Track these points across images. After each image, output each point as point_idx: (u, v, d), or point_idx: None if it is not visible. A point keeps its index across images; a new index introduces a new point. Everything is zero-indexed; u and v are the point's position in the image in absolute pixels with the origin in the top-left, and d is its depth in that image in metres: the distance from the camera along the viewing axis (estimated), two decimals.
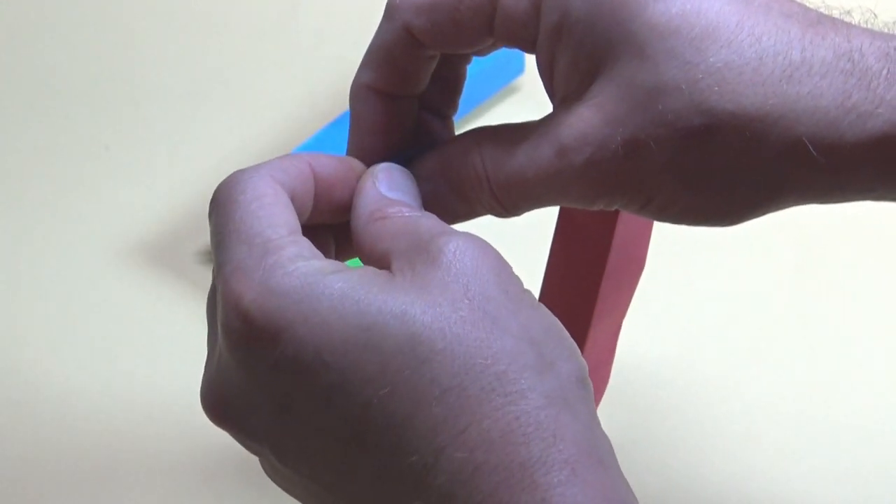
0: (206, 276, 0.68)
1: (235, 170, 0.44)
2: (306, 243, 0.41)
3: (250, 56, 0.83)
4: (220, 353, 0.41)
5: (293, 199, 0.43)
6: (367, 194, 0.44)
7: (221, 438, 0.53)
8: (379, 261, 0.42)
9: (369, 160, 0.46)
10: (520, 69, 0.78)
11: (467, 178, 0.44)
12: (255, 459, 0.42)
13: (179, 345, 0.65)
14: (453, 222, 0.45)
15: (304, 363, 0.39)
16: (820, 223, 0.73)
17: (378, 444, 0.39)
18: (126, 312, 0.67)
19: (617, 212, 0.54)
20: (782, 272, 0.71)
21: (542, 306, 0.41)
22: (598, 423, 0.40)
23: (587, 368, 0.41)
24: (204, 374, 0.42)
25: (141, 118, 0.78)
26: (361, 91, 0.46)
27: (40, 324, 0.66)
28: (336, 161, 0.45)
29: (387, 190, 0.44)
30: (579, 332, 0.56)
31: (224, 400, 0.41)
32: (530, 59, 0.76)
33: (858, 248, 0.73)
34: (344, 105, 0.71)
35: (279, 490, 0.42)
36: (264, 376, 0.40)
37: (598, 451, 0.38)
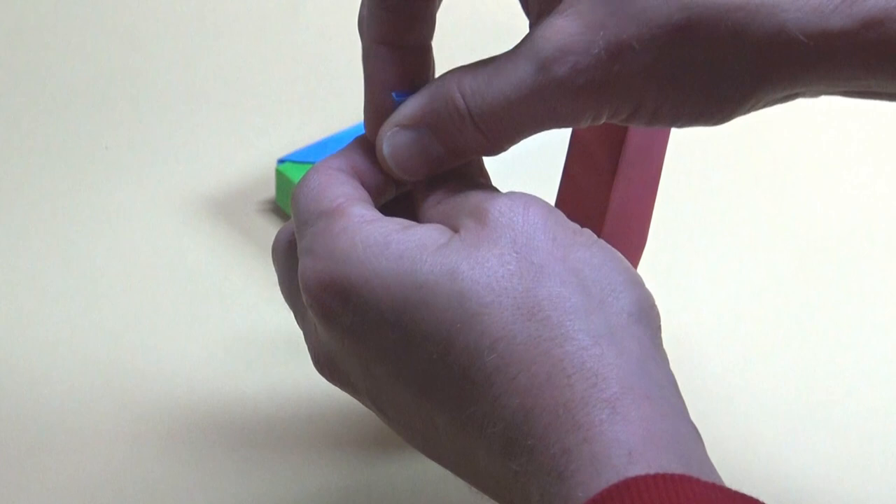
0: (201, 276, 0.68)
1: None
2: (368, 207, 0.43)
3: (251, 56, 0.83)
4: (315, 325, 0.44)
5: (363, 176, 0.45)
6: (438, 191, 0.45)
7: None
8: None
9: (386, 116, 0.46)
10: None
11: (448, 115, 0.44)
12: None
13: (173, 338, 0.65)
14: (440, 169, 0.45)
15: (372, 324, 0.41)
16: (830, 200, 0.73)
17: (443, 397, 0.40)
18: (125, 313, 0.67)
19: (612, 180, 0.54)
20: (790, 248, 0.71)
21: (600, 243, 0.42)
22: (653, 355, 0.40)
23: (649, 298, 0.41)
24: (308, 345, 0.46)
25: (141, 118, 0.78)
26: (371, 48, 0.46)
27: (39, 323, 0.66)
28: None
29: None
30: None
31: (328, 363, 0.44)
32: None
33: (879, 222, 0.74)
34: (345, 105, 0.72)
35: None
36: (345, 339, 0.42)
37: (644, 386, 0.39)
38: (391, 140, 0.45)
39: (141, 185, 0.74)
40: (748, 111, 0.44)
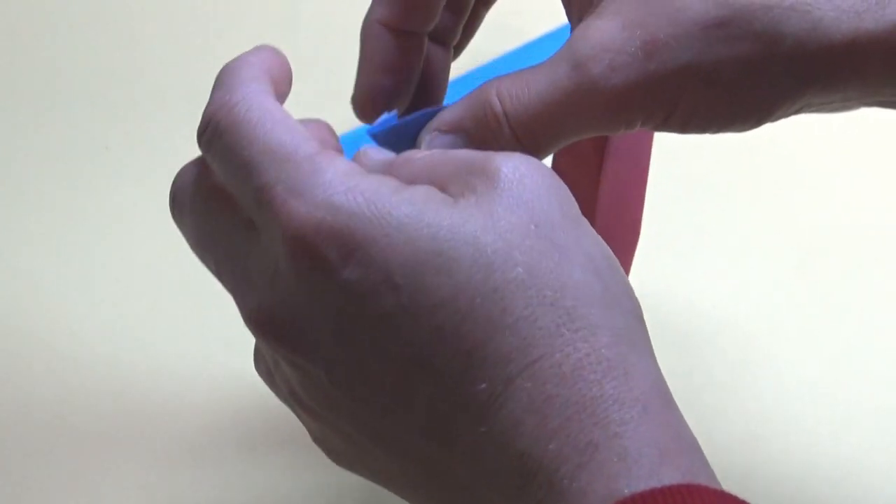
0: (201, 275, 0.68)
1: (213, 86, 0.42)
2: (345, 158, 0.41)
3: None
4: (277, 272, 0.40)
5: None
6: (374, 158, 0.43)
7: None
8: None
9: (378, 97, 0.46)
10: None
11: (485, 120, 0.43)
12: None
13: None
14: None
15: (374, 284, 0.38)
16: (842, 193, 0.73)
17: (444, 369, 0.38)
18: (125, 313, 0.67)
19: (599, 173, 0.54)
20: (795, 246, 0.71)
21: (595, 233, 0.41)
22: (657, 362, 0.39)
23: (640, 306, 0.40)
24: (249, 294, 0.41)
25: (141, 118, 0.78)
26: (374, 28, 0.46)
27: (39, 322, 0.66)
28: (278, 59, 0.45)
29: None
30: None
31: (280, 318, 0.40)
32: None
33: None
34: (347, 107, 0.72)
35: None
36: (331, 296, 0.39)
37: (664, 390, 0.38)
38: (430, 144, 0.44)
39: (141, 185, 0.74)
40: (781, 116, 0.44)
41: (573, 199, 0.41)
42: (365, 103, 0.47)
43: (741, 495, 0.36)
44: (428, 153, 0.42)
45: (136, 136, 0.77)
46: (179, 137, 0.77)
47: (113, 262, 0.69)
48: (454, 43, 0.49)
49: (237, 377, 0.63)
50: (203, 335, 0.65)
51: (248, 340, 0.60)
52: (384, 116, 0.46)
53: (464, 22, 0.49)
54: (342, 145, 0.45)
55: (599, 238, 0.40)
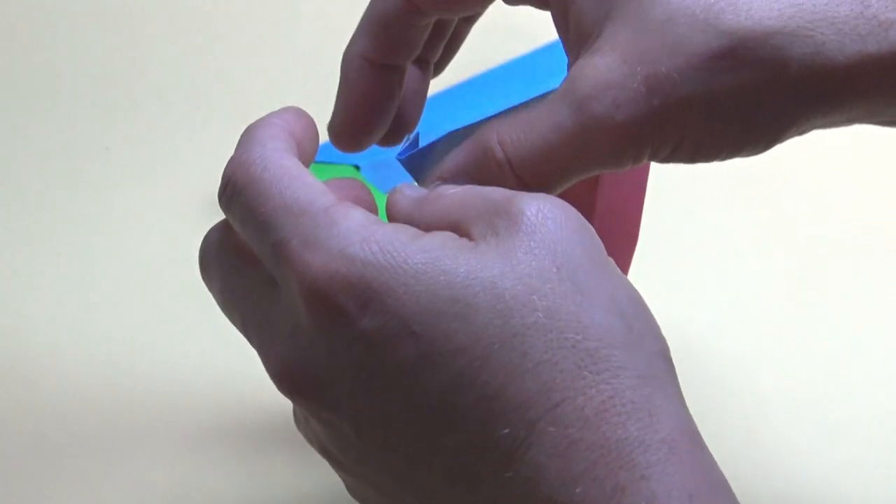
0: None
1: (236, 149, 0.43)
2: (361, 209, 0.40)
3: (251, 56, 0.83)
4: (297, 327, 0.40)
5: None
6: (408, 195, 0.43)
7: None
8: (450, 230, 0.40)
9: (357, 129, 0.46)
10: None
11: (487, 167, 0.43)
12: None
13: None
14: None
15: (392, 334, 0.38)
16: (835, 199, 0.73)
17: (466, 415, 0.38)
18: (125, 313, 0.67)
19: (597, 179, 0.53)
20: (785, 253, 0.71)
21: (622, 274, 0.40)
22: (684, 403, 0.39)
23: (669, 349, 0.40)
24: (272, 351, 0.41)
25: (141, 118, 0.78)
26: (355, 61, 0.46)
27: (39, 323, 0.66)
28: (302, 119, 0.44)
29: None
30: None
31: (302, 373, 0.40)
32: None
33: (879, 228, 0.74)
34: None
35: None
36: (350, 348, 0.39)
37: (692, 431, 0.38)
38: None
39: (141, 185, 0.74)
40: (787, 139, 0.43)
41: (599, 240, 0.40)
42: (342, 134, 0.47)
43: None
44: (460, 189, 0.42)
45: (136, 136, 0.77)
46: (179, 137, 0.77)
47: (113, 262, 0.69)
48: (435, 61, 0.49)
49: (237, 377, 0.63)
50: (203, 335, 0.65)
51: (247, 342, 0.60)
52: (406, 139, 0.46)
53: (445, 41, 0.48)
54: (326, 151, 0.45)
55: (626, 279, 0.40)
